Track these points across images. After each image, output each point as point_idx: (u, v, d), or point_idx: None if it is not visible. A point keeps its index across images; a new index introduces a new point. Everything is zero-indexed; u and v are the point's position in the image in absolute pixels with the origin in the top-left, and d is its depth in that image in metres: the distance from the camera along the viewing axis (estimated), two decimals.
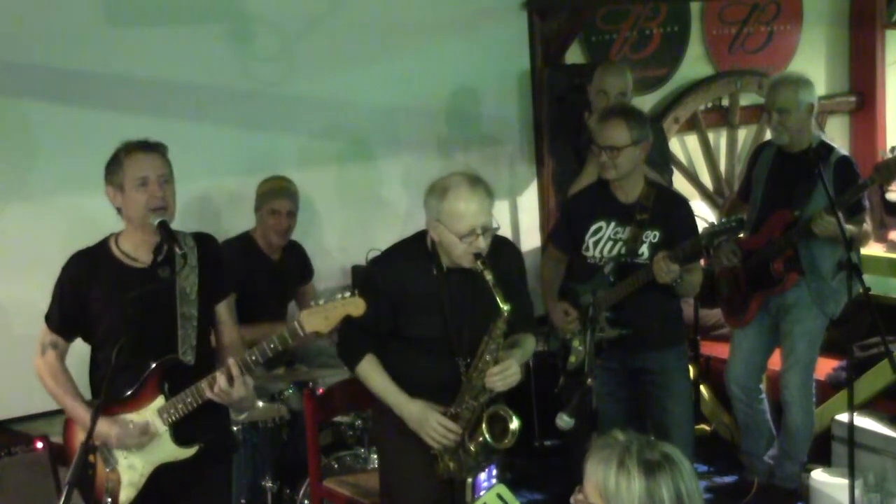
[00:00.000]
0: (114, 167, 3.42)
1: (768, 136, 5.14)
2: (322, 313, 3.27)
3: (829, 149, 4.80)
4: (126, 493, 3.45)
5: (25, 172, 4.86)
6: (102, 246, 3.51)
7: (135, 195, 3.37)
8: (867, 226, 4.87)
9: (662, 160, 5.32)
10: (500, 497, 3.15)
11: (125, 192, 3.39)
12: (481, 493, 3.50)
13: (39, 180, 4.86)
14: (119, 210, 3.47)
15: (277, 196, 4.96)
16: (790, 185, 4.82)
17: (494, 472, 3.58)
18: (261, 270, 4.92)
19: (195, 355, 3.46)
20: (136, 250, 3.46)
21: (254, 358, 3.36)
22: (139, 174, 3.37)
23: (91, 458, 3.19)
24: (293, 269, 5.14)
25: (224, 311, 3.63)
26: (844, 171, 4.75)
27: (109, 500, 3.43)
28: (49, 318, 3.56)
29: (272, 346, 3.32)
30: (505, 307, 3.45)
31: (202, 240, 3.57)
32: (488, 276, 3.46)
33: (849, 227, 4.56)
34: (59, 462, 4.51)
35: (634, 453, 2.26)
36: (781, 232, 4.81)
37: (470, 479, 3.58)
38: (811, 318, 4.89)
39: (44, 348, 3.55)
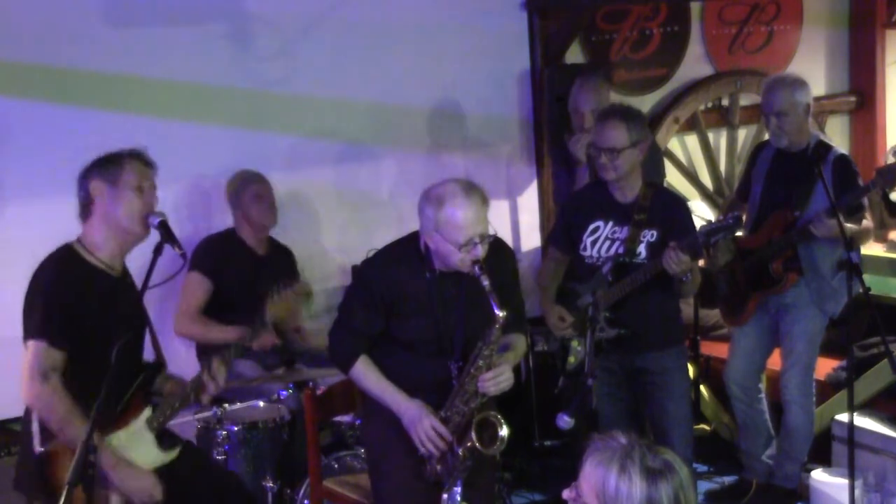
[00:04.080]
0: (111, 164, 3.44)
1: (768, 135, 5.14)
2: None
3: (827, 148, 4.81)
4: None
5: (23, 172, 4.85)
6: (74, 255, 3.42)
7: (129, 195, 3.41)
8: (867, 222, 4.87)
9: (657, 174, 5.25)
10: None
11: (118, 189, 3.40)
12: None
13: (38, 180, 4.85)
14: (88, 207, 3.43)
15: (256, 181, 4.99)
16: (789, 185, 4.82)
17: (459, 489, 3.60)
18: (243, 262, 4.92)
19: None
20: (113, 259, 3.46)
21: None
22: (137, 180, 3.43)
23: (91, 458, 3.16)
24: (280, 268, 5.08)
25: None
26: (843, 170, 4.75)
27: None
28: (47, 335, 3.25)
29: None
30: (501, 313, 3.44)
31: None
32: (485, 282, 3.44)
33: (848, 226, 4.56)
34: None
35: (637, 459, 2.23)
36: (781, 232, 4.81)
37: (446, 495, 3.58)
38: (811, 317, 4.89)
39: (45, 374, 3.23)
